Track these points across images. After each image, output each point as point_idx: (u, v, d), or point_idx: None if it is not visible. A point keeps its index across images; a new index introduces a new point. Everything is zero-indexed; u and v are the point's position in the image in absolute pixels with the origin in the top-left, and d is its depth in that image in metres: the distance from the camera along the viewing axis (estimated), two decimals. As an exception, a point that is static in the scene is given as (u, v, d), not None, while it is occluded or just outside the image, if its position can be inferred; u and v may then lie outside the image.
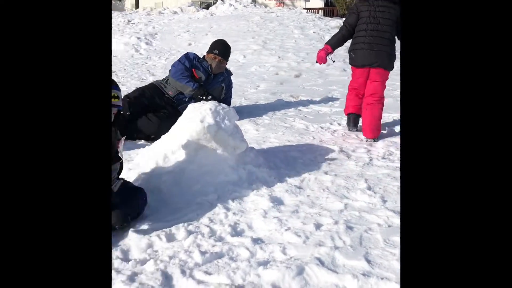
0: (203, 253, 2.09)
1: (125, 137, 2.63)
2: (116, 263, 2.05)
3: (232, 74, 4.84)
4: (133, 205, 2.45)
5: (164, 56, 8.13)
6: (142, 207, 2.52)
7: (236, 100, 5.23)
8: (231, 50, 4.83)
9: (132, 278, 1.91)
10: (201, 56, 4.64)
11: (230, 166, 3.03)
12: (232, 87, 4.85)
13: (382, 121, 4.08)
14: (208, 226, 2.40)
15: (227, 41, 4.75)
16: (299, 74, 6.95)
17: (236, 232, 2.36)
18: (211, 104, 3.15)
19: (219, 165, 3.02)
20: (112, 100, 2.42)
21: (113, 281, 1.89)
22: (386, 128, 4.28)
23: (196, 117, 3.06)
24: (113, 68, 6.90)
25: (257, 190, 2.84)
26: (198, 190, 2.82)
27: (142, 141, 3.92)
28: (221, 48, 4.61)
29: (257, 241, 2.25)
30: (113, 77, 6.29)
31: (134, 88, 4.83)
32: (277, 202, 2.70)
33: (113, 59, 7.69)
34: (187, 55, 4.54)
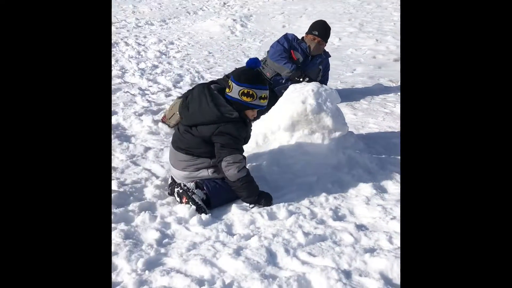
0: (306, 234, 2.08)
1: None
2: (221, 236, 2.11)
3: (330, 56, 4.72)
4: None
5: (259, 38, 8.17)
6: None
7: (332, 83, 5.09)
8: (327, 32, 4.69)
9: (237, 252, 1.96)
10: (300, 38, 4.57)
11: (329, 149, 2.96)
12: (329, 70, 4.73)
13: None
14: (308, 208, 2.38)
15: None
16: (398, 58, 6.58)
17: (337, 216, 2.31)
18: (313, 85, 3.09)
19: (318, 147, 2.97)
20: (261, 101, 2.44)
21: (219, 253, 1.95)
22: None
23: (298, 98, 3.02)
24: (210, 49, 7.09)
25: (358, 175, 2.75)
26: (297, 170, 2.81)
27: (240, 121, 3.98)
28: (321, 29, 4.50)
29: (360, 227, 2.18)
30: (210, 58, 6.48)
31: (230, 69, 4.92)
32: (380, 189, 2.59)
33: (209, 40, 7.91)
34: (286, 36, 4.50)
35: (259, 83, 2.44)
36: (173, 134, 2.63)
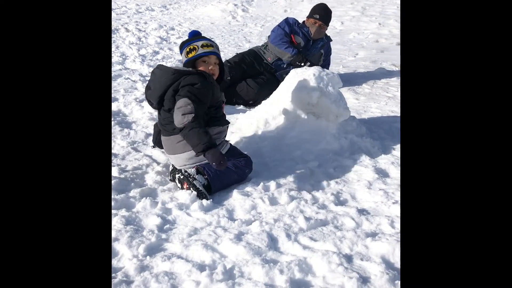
0: (307, 219, 2.07)
1: (225, 101, 2.66)
2: (222, 221, 2.11)
3: (331, 40, 4.66)
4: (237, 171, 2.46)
5: (260, 23, 8.09)
6: (246, 175, 2.52)
7: (334, 67, 5.04)
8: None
9: (239, 237, 1.95)
10: (301, 22, 4.52)
11: (331, 134, 2.95)
12: (330, 54, 4.68)
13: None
14: (310, 193, 2.37)
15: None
16: (401, 42, 6.52)
17: (339, 201, 2.30)
18: (315, 69, 3.06)
19: (320, 132, 2.95)
20: (205, 48, 2.46)
21: (220, 239, 1.95)
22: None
23: (299, 82, 2.99)
24: (211, 34, 7.02)
25: (360, 160, 2.73)
26: (298, 156, 2.79)
27: (241, 106, 3.96)
28: (322, 13, 4.43)
29: (362, 212, 2.17)
30: (211, 43, 6.42)
31: (232, 55, 4.88)
32: (382, 174, 2.57)
33: (210, 25, 7.84)
34: (287, 20, 4.44)
35: (194, 39, 2.52)
36: (156, 127, 2.63)
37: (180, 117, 2.29)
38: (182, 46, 2.54)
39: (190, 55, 2.47)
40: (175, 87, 2.38)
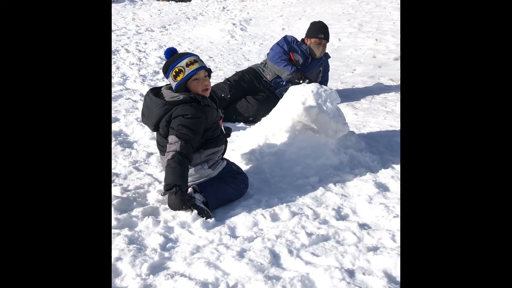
0: (309, 234, 2.08)
1: (222, 117, 2.67)
2: (224, 238, 2.12)
3: (329, 57, 4.72)
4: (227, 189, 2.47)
5: (259, 41, 8.19)
6: (242, 190, 2.56)
7: (332, 84, 5.10)
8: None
9: (241, 254, 1.96)
10: (300, 39, 4.58)
11: (331, 150, 2.97)
12: (329, 70, 4.74)
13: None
14: (311, 208, 2.38)
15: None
16: (398, 57, 6.59)
17: (340, 216, 2.32)
18: (313, 86, 3.10)
19: (319, 148, 2.98)
20: (191, 66, 2.40)
21: (223, 256, 1.96)
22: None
23: (298, 99, 3.03)
24: (210, 53, 7.12)
25: (360, 175, 2.75)
26: (299, 172, 2.82)
27: (241, 124, 4.00)
28: (326, 32, 4.48)
29: (363, 226, 2.18)
30: (210, 62, 6.50)
31: (231, 73, 4.94)
32: (382, 188, 2.59)
33: (209, 45, 7.94)
34: (285, 38, 4.51)
35: (176, 59, 2.44)
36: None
37: (169, 157, 2.30)
38: (167, 70, 2.46)
39: (178, 78, 2.40)
40: (167, 118, 2.38)
